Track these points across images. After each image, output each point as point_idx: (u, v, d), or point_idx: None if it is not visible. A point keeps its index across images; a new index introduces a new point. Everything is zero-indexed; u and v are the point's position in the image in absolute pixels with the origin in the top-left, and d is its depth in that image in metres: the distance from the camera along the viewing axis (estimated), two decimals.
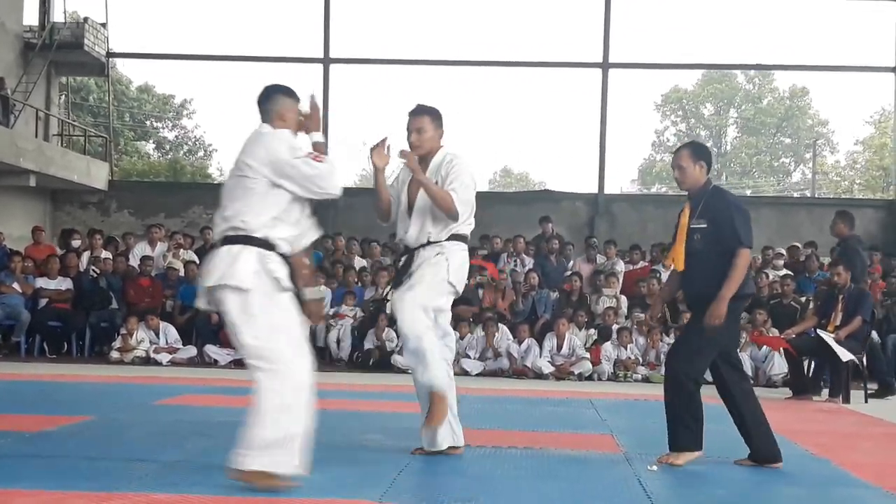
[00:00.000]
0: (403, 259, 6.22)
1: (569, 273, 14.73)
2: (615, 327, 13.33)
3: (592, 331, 13.31)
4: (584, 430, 7.76)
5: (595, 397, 10.21)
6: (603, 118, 24.40)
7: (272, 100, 5.30)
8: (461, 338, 13.09)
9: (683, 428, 5.94)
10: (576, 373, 12.60)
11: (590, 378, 12.62)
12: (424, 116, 6.15)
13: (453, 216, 5.94)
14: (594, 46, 24.85)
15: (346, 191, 26.53)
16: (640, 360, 12.91)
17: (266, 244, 5.01)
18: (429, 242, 6.03)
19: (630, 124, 64.65)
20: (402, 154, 6.08)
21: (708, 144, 53.73)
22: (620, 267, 14.94)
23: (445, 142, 6.28)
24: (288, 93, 5.38)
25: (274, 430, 4.83)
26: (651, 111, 54.48)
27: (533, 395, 10.59)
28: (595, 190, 24.56)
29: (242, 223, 5.00)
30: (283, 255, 5.08)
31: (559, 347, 12.85)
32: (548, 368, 12.56)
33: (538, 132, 70.02)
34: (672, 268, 6.53)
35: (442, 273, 5.89)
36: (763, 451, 6.07)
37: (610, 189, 25.90)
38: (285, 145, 5.12)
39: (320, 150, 5.29)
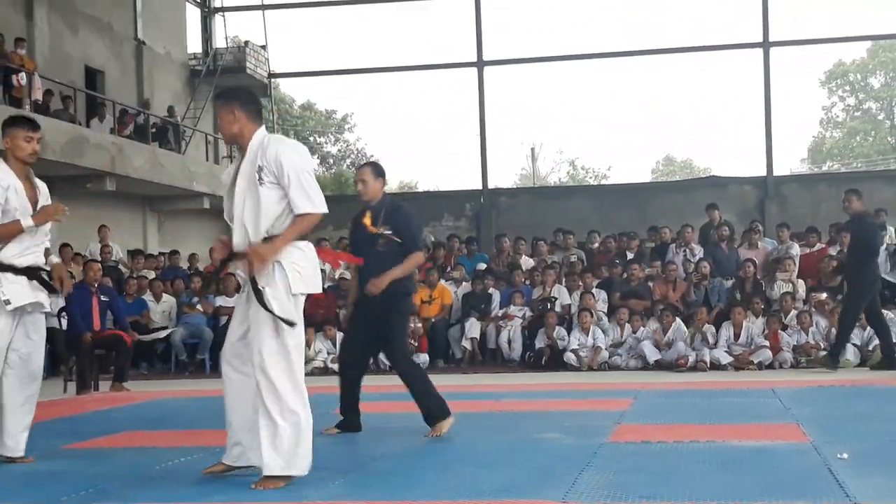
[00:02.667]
0: None
1: (742, 260, 14.39)
2: (793, 313, 12.95)
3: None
4: (767, 421, 7.55)
5: (777, 386, 9.92)
6: (767, 98, 23.80)
7: None
8: (634, 331, 12.97)
9: None
10: (755, 362, 12.28)
11: (770, 367, 12.29)
12: None
13: None
14: (754, 27, 24.21)
15: (507, 191, 26.86)
16: (821, 345, 12.50)
17: None
18: None
19: (796, 102, 62.71)
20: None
21: (879, 117, 51.74)
22: (795, 250, 14.49)
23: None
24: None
25: None
26: (816, 87, 52.76)
27: (712, 386, 10.37)
28: (763, 172, 23.97)
29: None
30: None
31: (736, 337, 12.56)
32: (726, 359, 12.28)
33: (700, 118, 68.81)
34: None
35: None
36: None
37: (779, 170, 25.23)
38: None
39: None
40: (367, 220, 7.12)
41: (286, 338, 5.21)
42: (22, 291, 6.08)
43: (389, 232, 7.08)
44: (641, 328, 12.95)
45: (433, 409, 7.12)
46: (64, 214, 6.26)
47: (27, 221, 6.07)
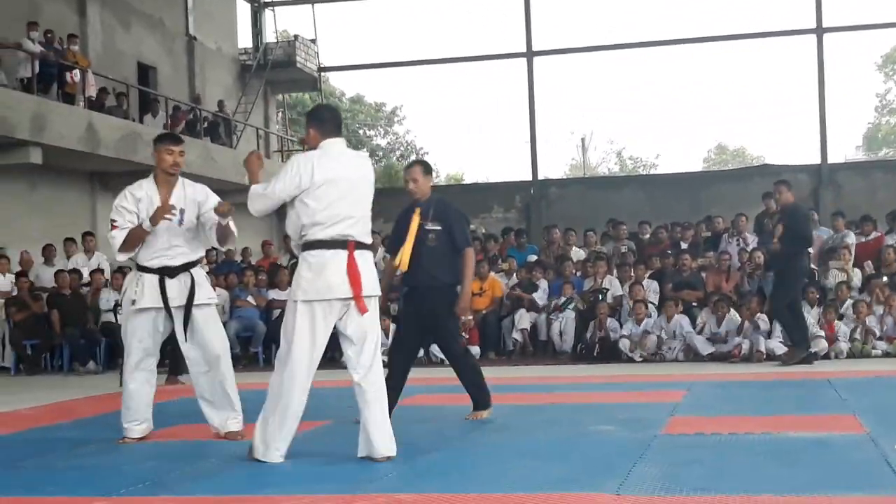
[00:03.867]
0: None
1: None
2: (849, 302, 12.80)
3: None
4: (823, 412, 7.49)
5: (833, 377, 9.82)
6: (821, 85, 23.55)
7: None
8: (669, 318, 12.84)
9: None
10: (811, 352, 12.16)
11: (826, 356, 12.16)
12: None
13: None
14: (807, 12, 23.94)
15: (557, 182, 26.77)
16: (877, 334, 12.36)
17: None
18: None
19: (850, 88, 61.90)
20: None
21: None
22: (851, 239, 14.30)
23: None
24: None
25: None
26: (872, 72, 51.95)
27: (767, 377, 10.30)
28: (817, 160, 23.73)
29: None
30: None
31: None
32: (780, 349, 12.17)
33: (752, 105, 68.10)
34: None
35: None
36: None
37: (833, 158, 24.95)
38: None
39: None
40: (417, 217, 7.35)
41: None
42: (151, 294, 6.64)
43: (439, 228, 7.33)
44: (677, 316, 12.82)
45: (480, 402, 7.49)
46: (172, 214, 6.63)
47: (146, 224, 6.63)
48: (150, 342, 6.78)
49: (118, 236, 6.62)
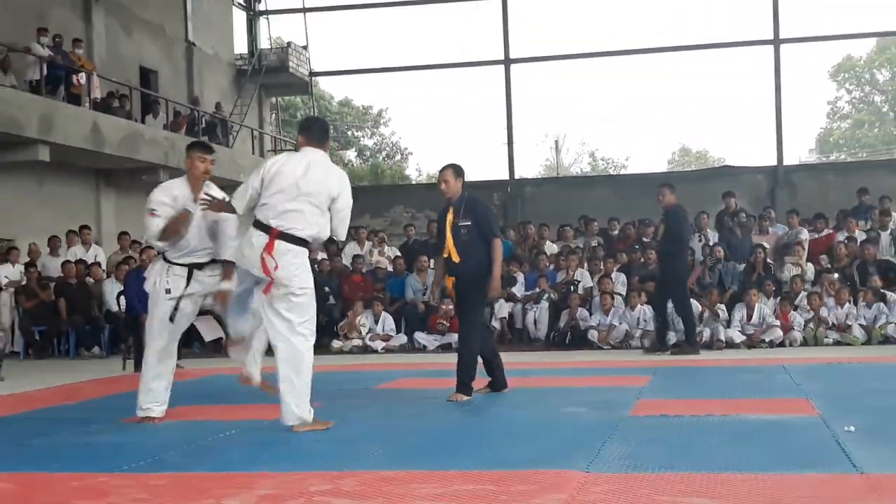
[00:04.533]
0: None
1: (754, 244, 14.28)
2: (803, 294, 12.87)
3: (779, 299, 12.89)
4: (779, 396, 7.52)
5: (788, 363, 9.87)
6: (778, 92, 23.62)
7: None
8: (634, 307, 12.87)
9: None
10: (767, 340, 12.23)
11: (781, 345, 12.22)
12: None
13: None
14: (765, 24, 24.02)
15: (532, 181, 26.70)
16: (829, 324, 12.44)
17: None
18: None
19: (804, 95, 62.07)
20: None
21: (884, 109, 51.12)
22: (805, 235, 14.37)
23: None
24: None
25: None
26: (825, 80, 52.18)
27: (726, 364, 10.34)
28: (774, 162, 23.81)
29: None
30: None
31: (749, 317, 12.49)
32: (739, 338, 12.23)
33: (714, 110, 68.31)
34: None
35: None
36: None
37: (789, 160, 25.06)
38: None
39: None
40: (451, 216, 7.72)
41: None
42: (180, 283, 6.71)
43: (469, 223, 7.67)
44: (640, 306, 12.87)
45: (462, 383, 7.61)
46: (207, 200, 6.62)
47: (189, 206, 6.66)
48: (174, 327, 6.76)
49: (159, 223, 6.63)
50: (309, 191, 6.16)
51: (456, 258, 7.63)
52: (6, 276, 14.56)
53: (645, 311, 12.80)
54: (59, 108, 17.02)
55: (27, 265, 14.88)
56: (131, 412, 6.84)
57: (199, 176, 6.79)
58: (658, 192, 11.79)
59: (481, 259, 7.63)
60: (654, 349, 11.72)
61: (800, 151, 53.82)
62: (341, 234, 6.52)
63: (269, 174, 6.20)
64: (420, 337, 13.50)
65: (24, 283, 14.55)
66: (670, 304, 11.81)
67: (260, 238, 6.11)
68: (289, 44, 28.63)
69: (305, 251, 6.20)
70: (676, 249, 11.55)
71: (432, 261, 12.89)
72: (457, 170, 7.93)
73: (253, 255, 6.12)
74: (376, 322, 13.60)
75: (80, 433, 6.53)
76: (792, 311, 12.53)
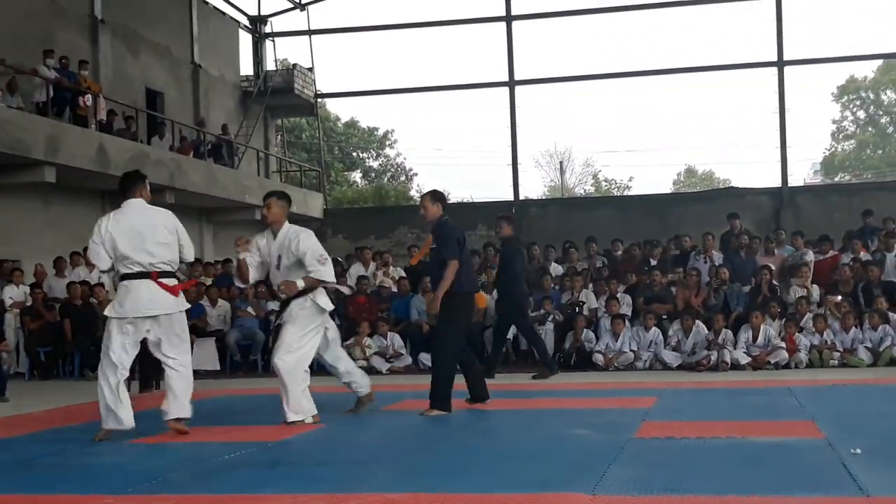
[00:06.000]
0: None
1: (759, 266, 14.26)
2: (808, 315, 12.85)
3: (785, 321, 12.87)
4: (784, 418, 7.50)
5: (793, 385, 9.85)
6: (782, 113, 23.69)
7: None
8: (647, 330, 12.89)
9: None
10: (772, 362, 12.20)
11: (787, 367, 12.20)
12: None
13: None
14: (769, 46, 24.09)
15: (536, 202, 26.67)
16: (836, 346, 12.41)
17: None
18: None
19: (809, 115, 62.18)
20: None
21: (889, 131, 51.12)
22: (810, 257, 14.35)
23: None
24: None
25: None
26: (829, 101, 52.24)
27: (732, 385, 10.31)
28: (778, 183, 23.83)
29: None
30: None
31: (754, 339, 12.47)
32: (744, 360, 12.20)
33: (719, 131, 68.36)
34: None
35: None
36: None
37: (793, 181, 25.10)
38: None
39: None
40: (429, 240, 8.32)
41: None
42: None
43: (435, 246, 8.19)
44: (654, 328, 12.91)
45: (437, 398, 8.03)
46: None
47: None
48: None
49: None
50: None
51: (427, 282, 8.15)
52: (10, 297, 14.59)
53: (658, 332, 12.83)
54: (66, 129, 17.10)
55: (32, 286, 14.90)
56: (136, 433, 6.83)
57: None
58: (497, 223, 12.28)
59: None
60: (541, 375, 11.74)
61: (804, 172, 53.87)
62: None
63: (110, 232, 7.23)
64: (425, 358, 13.46)
65: (28, 304, 14.57)
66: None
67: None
68: (294, 65, 28.77)
69: None
70: (510, 279, 11.76)
71: None
72: (433, 195, 8.31)
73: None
74: (385, 341, 13.64)
75: (85, 454, 6.53)
76: (797, 333, 12.51)
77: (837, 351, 12.36)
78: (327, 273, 7.66)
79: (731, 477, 5.11)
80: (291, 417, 7.46)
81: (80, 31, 20.56)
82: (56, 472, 5.91)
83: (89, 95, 18.32)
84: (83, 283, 14.77)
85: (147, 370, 10.97)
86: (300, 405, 7.51)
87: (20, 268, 15.41)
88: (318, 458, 6.03)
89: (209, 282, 15.51)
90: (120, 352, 6.98)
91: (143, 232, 7.10)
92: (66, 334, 14.20)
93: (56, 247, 16.90)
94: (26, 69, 17.32)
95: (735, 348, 12.36)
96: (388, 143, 50.63)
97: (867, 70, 51.03)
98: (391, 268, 16.08)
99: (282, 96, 27.96)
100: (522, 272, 12.24)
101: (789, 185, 23.66)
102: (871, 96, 52.18)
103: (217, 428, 7.76)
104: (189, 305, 7.59)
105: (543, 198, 41.67)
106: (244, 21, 28.97)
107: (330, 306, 7.86)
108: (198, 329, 13.76)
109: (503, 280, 11.91)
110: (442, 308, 8.03)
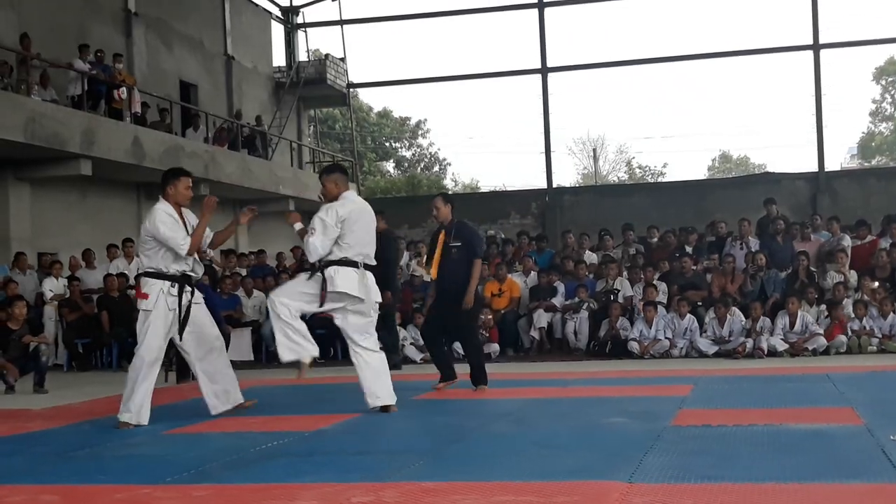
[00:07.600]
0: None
1: (796, 252, 14.13)
2: (846, 301, 12.72)
3: (823, 307, 12.75)
4: (822, 405, 7.44)
5: (831, 371, 9.76)
6: (818, 97, 23.44)
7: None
8: (681, 317, 12.81)
9: None
10: (810, 349, 12.09)
11: (825, 353, 12.09)
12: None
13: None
14: (805, 28, 23.84)
15: (571, 189, 26.62)
16: (874, 332, 12.28)
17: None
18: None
19: (846, 98, 61.49)
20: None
21: None
22: (847, 242, 14.20)
23: None
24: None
25: None
26: (867, 82, 51.59)
27: (769, 372, 10.23)
28: (815, 168, 23.60)
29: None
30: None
31: (791, 325, 12.37)
32: (782, 346, 12.11)
33: (754, 116, 67.82)
34: None
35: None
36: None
37: (830, 166, 24.85)
38: None
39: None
40: (443, 237, 8.95)
41: None
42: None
43: (459, 244, 8.90)
44: (689, 315, 12.83)
45: (480, 379, 9.11)
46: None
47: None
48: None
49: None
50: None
51: (434, 275, 9.03)
52: (51, 290, 14.75)
53: (693, 319, 12.76)
54: (101, 122, 17.25)
55: (70, 278, 15.06)
56: (173, 423, 6.88)
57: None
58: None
59: (469, 275, 8.87)
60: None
61: (840, 155, 53.30)
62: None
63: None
64: (459, 347, 13.45)
65: (67, 296, 14.73)
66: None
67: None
68: (327, 56, 28.81)
69: None
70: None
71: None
72: (445, 197, 9.21)
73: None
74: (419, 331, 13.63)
75: (123, 445, 6.58)
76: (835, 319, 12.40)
77: (876, 337, 12.24)
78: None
79: (768, 464, 5.07)
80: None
81: (115, 24, 20.71)
82: (94, 462, 5.96)
83: (124, 88, 18.46)
84: (120, 274, 14.89)
85: (183, 361, 11.04)
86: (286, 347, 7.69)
87: (59, 260, 15.58)
88: (353, 448, 6.05)
89: (244, 273, 15.61)
90: None
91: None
92: (104, 326, 14.34)
93: (92, 239, 17.07)
94: (61, 63, 17.47)
95: (772, 335, 12.26)
96: (420, 132, 50.67)
97: None
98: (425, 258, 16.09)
99: (314, 87, 28.03)
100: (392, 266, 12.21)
101: (826, 169, 23.39)
102: None
103: (253, 418, 7.79)
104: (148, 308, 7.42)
105: (577, 185, 41.54)
106: (276, 12, 29.06)
107: (346, 288, 7.54)
108: (233, 320, 13.85)
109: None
110: (460, 303, 8.87)
